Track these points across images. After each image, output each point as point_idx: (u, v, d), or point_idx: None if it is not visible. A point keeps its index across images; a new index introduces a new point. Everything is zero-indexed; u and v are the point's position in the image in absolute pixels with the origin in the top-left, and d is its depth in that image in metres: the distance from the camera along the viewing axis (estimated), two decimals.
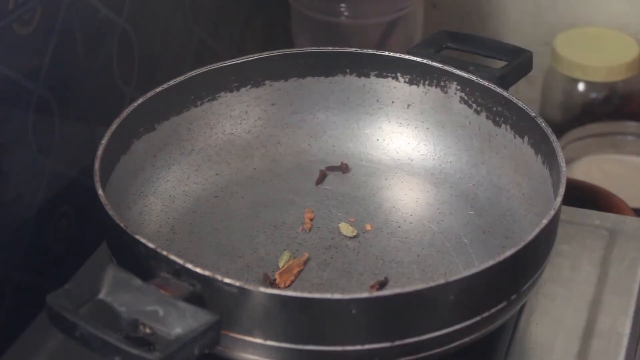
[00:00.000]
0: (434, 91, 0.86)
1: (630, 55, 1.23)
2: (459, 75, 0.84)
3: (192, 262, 0.65)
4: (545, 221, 0.70)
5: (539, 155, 0.79)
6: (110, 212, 0.69)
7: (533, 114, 0.79)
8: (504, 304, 0.69)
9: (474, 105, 0.84)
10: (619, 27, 1.27)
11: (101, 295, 0.64)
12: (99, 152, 0.75)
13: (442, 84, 0.85)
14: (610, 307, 0.80)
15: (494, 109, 0.83)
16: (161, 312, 0.62)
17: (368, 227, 0.83)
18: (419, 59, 0.86)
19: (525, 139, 0.81)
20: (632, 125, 1.23)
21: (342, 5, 1.13)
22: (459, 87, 0.85)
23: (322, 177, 0.87)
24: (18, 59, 0.77)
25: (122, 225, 0.68)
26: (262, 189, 0.86)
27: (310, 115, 0.89)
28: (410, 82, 0.87)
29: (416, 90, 0.87)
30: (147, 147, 0.82)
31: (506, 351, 0.76)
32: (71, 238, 0.87)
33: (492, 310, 0.68)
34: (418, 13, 1.17)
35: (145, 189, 0.82)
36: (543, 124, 0.78)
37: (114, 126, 0.78)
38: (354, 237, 0.82)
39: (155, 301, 0.63)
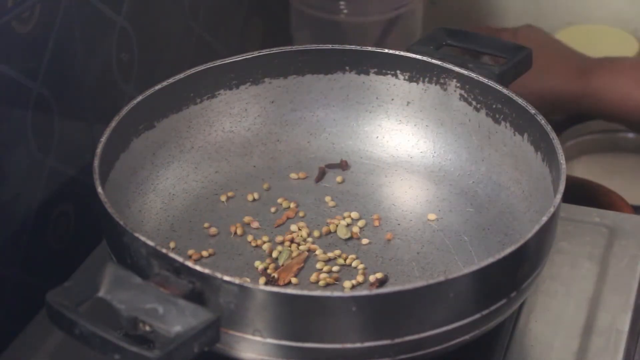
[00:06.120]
0: (434, 88, 0.86)
1: (629, 52, 1.23)
2: (458, 73, 0.84)
3: (191, 259, 0.65)
4: (544, 218, 0.70)
5: (539, 153, 0.79)
6: (110, 210, 0.69)
7: (533, 112, 0.79)
8: (503, 301, 0.69)
9: (474, 103, 0.84)
10: (618, 25, 1.27)
11: (101, 293, 0.63)
12: (98, 150, 0.75)
13: (442, 81, 0.85)
14: (610, 304, 0.80)
15: (494, 106, 0.83)
16: (161, 310, 0.62)
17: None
18: (418, 57, 0.86)
19: (525, 136, 0.81)
20: None
21: (342, 2, 1.13)
22: (458, 85, 0.85)
23: (321, 175, 0.87)
24: (17, 57, 0.77)
25: (121, 223, 0.68)
26: (262, 187, 0.86)
27: (309, 112, 0.89)
28: (410, 80, 0.86)
29: (416, 88, 0.87)
30: (146, 145, 0.82)
31: (506, 348, 0.76)
32: (70, 236, 0.86)
33: (492, 308, 0.68)
34: (418, 10, 1.17)
35: (144, 187, 0.82)
36: (543, 122, 0.78)
37: (113, 124, 0.77)
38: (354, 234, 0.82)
39: (154, 299, 0.62)
